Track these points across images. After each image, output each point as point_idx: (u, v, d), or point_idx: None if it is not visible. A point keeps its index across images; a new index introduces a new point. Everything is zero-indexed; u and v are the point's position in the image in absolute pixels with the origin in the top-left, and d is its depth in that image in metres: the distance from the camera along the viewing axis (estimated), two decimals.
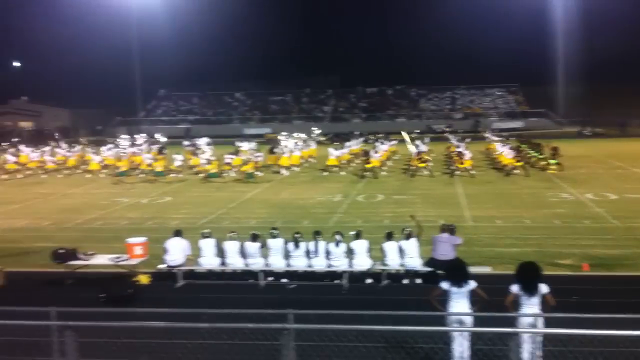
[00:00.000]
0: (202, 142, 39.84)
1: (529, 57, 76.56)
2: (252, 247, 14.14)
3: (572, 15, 71.45)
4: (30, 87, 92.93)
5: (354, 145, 40.89)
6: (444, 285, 9.13)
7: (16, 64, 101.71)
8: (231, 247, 14.21)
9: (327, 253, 13.84)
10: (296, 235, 14.05)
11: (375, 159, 33.74)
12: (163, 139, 42.89)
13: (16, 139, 42.26)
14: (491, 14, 78.46)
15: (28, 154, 39.11)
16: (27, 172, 36.68)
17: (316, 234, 14.15)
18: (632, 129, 63.48)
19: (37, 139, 60.01)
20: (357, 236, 14.05)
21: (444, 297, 9.16)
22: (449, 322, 8.82)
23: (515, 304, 8.78)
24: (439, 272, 12.95)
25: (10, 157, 37.72)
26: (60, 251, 14.14)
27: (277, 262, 14.06)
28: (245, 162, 33.18)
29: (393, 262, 13.76)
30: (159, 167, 32.97)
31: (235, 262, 14.22)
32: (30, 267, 15.86)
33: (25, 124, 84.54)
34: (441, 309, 8.99)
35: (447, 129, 63.59)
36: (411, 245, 13.74)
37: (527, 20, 75.18)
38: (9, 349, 8.34)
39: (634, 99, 70.82)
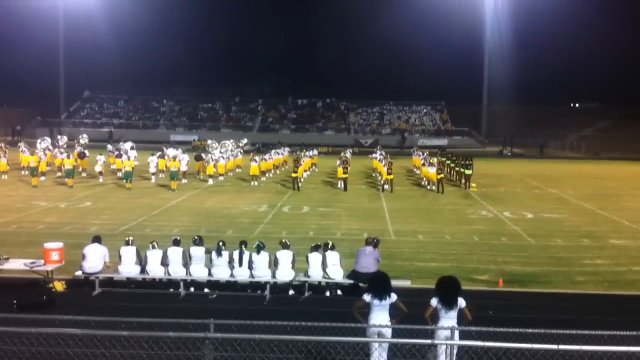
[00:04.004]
0: (127, 146, 38.93)
1: (456, 77, 78.80)
2: (175, 252, 13.92)
3: (500, 39, 74.13)
4: None
5: (278, 154, 40.91)
6: (367, 297, 9.24)
7: None
8: (152, 255, 13.94)
9: (250, 263, 13.78)
10: (219, 244, 13.93)
11: (299, 168, 33.59)
12: (84, 141, 41.76)
13: None
14: (421, 33, 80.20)
15: None
16: None
17: (241, 244, 14.06)
18: (550, 150, 66.24)
19: None
20: (283, 246, 14.05)
21: (366, 309, 9.28)
22: (369, 334, 8.94)
23: (434, 317, 9.01)
24: (361, 284, 13.12)
25: None
26: None
27: (199, 271, 13.88)
28: (168, 167, 32.71)
29: (316, 273, 13.81)
30: (68, 165, 31.61)
31: (156, 271, 13.95)
32: None
33: None
34: (362, 321, 9.09)
35: (370, 144, 64.41)
36: (333, 257, 13.86)
37: (454, 43, 77.49)
38: None
39: (552, 121, 74.08)
